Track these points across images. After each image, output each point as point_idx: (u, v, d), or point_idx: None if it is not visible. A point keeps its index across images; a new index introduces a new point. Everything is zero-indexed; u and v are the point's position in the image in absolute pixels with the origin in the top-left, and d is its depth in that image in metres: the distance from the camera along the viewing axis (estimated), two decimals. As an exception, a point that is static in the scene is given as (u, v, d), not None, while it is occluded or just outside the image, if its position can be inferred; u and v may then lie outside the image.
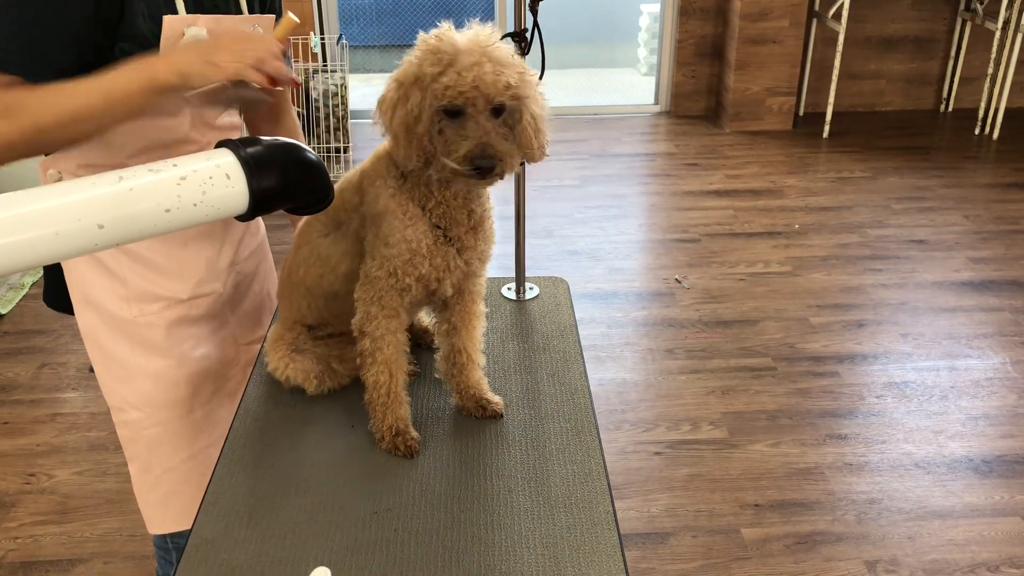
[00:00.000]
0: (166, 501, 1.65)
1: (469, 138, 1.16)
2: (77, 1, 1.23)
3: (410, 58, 1.22)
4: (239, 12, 1.44)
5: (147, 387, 1.56)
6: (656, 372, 3.21)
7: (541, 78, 1.53)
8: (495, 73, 1.16)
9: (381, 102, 1.25)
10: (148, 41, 1.32)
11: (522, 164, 1.32)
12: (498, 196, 1.38)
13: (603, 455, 1.32)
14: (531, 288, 1.78)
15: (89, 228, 1.00)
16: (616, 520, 1.20)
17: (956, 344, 3.35)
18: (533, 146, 1.25)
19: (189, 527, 1.57)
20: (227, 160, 1.10)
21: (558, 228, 4.34)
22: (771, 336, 3.42)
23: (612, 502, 1.23)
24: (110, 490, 2.69)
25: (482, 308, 1.43)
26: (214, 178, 1.09)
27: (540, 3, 1.38)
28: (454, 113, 1.18)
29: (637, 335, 3.43)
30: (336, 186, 1.42)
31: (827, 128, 5.38)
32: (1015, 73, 5.18)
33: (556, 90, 6.57)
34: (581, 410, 1.42)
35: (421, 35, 1.22)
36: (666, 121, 5.76)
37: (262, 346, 1.61)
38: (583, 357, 1.57)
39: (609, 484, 1.27)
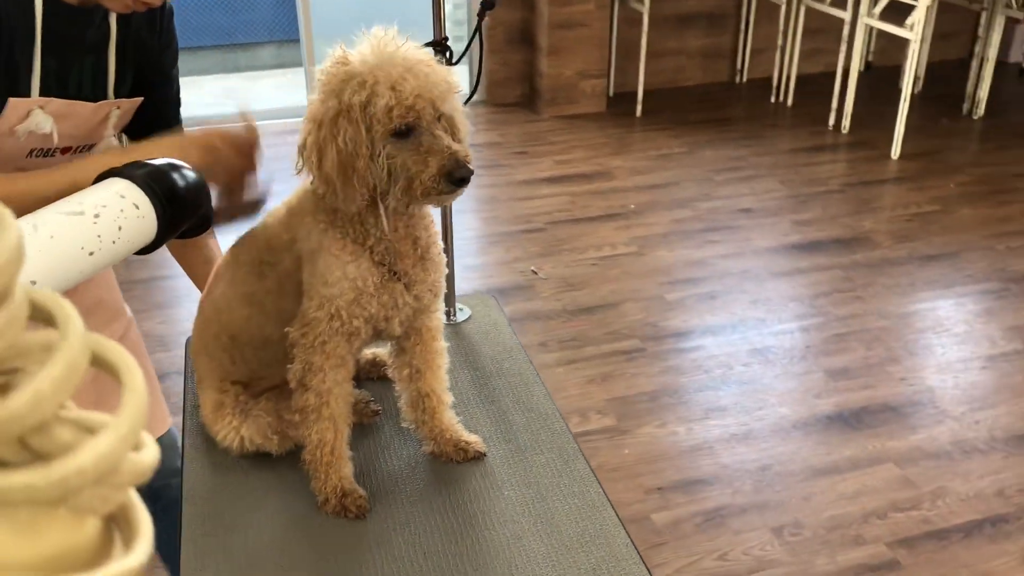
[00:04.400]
0: None
1: (433, 153, 1.08)
2: None
3: (319, 95, 1.11)
4: (105, 96, 1.36)
5: None
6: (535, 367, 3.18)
7: (477, 85, 1.45)
8: (430, 77, 1.08)
9: (302, 148, 1.13)
10: None
11: None
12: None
13: (600, 482, 1.27)
14: (461, 309, 1.69)
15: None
16: (639, 551, 1.15)
17: (801, 305, 3.55)
18: (466, 144, 1.17)
19: None
20: (129, 190, 1.07)
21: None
22: (634, 317, 3.48)
23: (627, 532, 1.18)
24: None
25: (442, 344, 1.34)
26: (125, 210, 1.05)
27: (488, 11, 1.29)
28: (403, 133, 1.08)
29: (506, 332, 3.40)
30: (251, 229, 1.30)
31: (639, 107, 5.55)
32: (802, 43, 5.55)
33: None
34: (560, 436, 1.36)
35: (320, 68, 1.12)
36: (484, 110, 5.74)
37: (183, 425, 1.43)
38: (540, 377, 1.50)
39: (617, 513, 1.22)
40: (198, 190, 1.13)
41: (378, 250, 1.17)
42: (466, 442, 1.31)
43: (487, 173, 4.85)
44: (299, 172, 1.14)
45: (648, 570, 1.13)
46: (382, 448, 1.35)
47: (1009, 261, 3.84)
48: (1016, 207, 4.35)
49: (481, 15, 1.32)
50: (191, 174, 1.14)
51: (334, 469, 1.21)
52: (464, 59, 1.39)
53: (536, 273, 3.79)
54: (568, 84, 5.54)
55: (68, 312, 0.33)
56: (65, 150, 1.39)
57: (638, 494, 2.62)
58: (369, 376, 1.49)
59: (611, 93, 5.84)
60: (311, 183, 1.15)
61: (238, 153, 1.31)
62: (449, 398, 1.33)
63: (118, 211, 1.00)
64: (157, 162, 1.10)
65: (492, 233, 4.20)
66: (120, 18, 1.33)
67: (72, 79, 1.32)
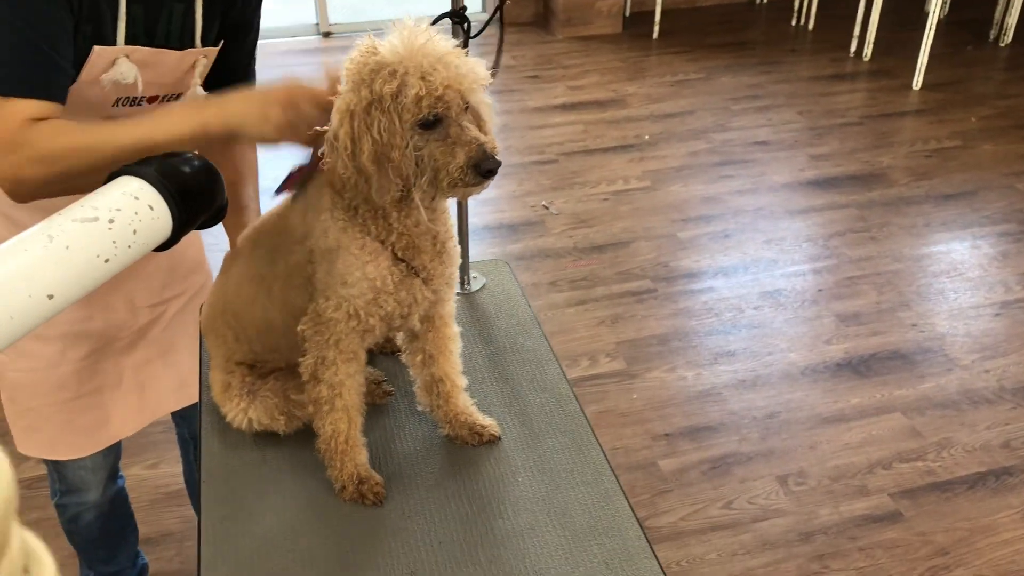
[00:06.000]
0: (29, 432, 1.68)
1: (460, 144, 1.06)
2: (61, 19, 1.20)
3: (348, 85, 1.09)
4: (192, 44, 1.35)
5: None
6: (545, 307, 3.19)
7: (497, 65, 1.41)
8: (460, 68, 1.06)
9: (332, 139, 1.10)
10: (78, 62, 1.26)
11: None
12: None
13: (613, 471, 1.28)
14: (475, 278, 1.68)
15: (40, 302, 0.91)
16: (651, 545, 1.17)
17: (814, 246, 3.52)
18: (493, 134, 1.15)
19: (53, 457, 1.72)
20: (143, 190, 1.05)
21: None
22: (645, 256, 3.46)
23: (640, 525, 1.20)
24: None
25: (455, 330, 1.33)
26: (139, 213, 1.04)
27: (510, -4, 1.24)
28: (430, 124, 1.06)
29: (518, 270, 3.39)
30: (276, 208, 1.28)
31: (656, 29, 5.41)
32: (826, -37, 5.38)
33: (370, 2, 6.22)
34: (574, 419, 1.36)
35: (348, 58, 1.10)
36: (497, 30, 5.59)
37: (199, 402, 1.44)
38: (555, 354, 1.50)
39: (631, 504, 1.23)
40: (211, 182, 1.12)
41: (400, 245, 1.16)
42: (481, 426, 1.31)
43: (499, 99, 4.76)
44: (327, 164, 1.12)
45: (660, 564, 1.14)
46: (397, 429, 1.36)
47: (1028, 202, 3.79)
48: (1038, 144, 4.27)
49: (502, 1, 1.27)
50: (200, 164, 1.12)
51: (349, 457, 1.22)
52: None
53: (547, 208, 3.76)
54: (584, 4, 5.38)
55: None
56: (152, 99, 1.39)
57: (645, 440, 2.65)
58: (383, 351, 1.49)
59: (627, 13, 5.68)
60: (345, 175, 1.11)
61: (321, 110, 1.23)
62: (463, 381, 1.33)
63: (132, 214, 0.99)
64: (169, 157, 1.08)
65: (505, 165, 4.13)
66: None
67: (160, 27, 1.31)
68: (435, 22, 1.25)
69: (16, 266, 0.89)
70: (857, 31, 5.12)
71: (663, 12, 5.41)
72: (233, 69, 1.47)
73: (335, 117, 1.08)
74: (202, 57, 1.39)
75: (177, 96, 1.41)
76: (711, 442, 2.64)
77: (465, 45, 1.44)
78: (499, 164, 1.08)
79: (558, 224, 3.66)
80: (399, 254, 1.17)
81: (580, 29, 5.44)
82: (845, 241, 3.54)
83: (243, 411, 1.31)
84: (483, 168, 1.06)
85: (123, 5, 1.25)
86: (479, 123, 1.12)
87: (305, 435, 1.32)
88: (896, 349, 2.98)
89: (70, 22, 1.21)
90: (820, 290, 3.27)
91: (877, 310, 3.16)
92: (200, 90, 1.41)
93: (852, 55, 5.15)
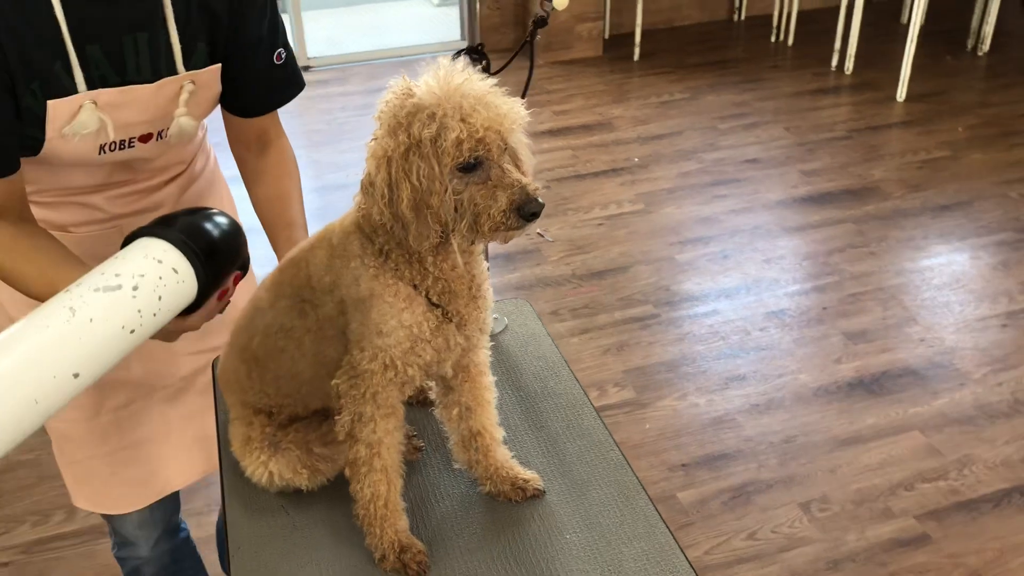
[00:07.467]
0: (79, 484, 1.65)
1: (503, 187, 1.01)
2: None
3: (383, 129, 1.04)
4: (172, 72, 1.25)
5: None
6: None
7: (524, 98, 1.36)
8: (500, 108, 1.02)
9: (368, 186, 1.04)
10: (39, 120, 1.17)
11: None
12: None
13: (665, 522, 1.21)
14: (496, 318, 1.61)
15: (66, 381, 0.86)
16: (714, 603, 1.10)
17: (815, 264, 3.49)
18: (530, 174, 1.10)
19: (100, 511, 1.67)
20: (166, 252, 1.00)
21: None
22: (645, 281, 3.41)
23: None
24: None
25: (491, 379, 1.27)
26: (164, 277, 0.99)
27: (541, 27, 1.19)
28: (470, 167, 1.01)
29: (517, 301, 3.33)
30: (294, 256, 1.21)
31: (637, 50, 5.40)
32: (802, -22, 5.40)
33: (346, 33, 6.17)
34: (617, 468, 1.30)
35: (382, 100, 1.05)
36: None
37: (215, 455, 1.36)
38: (588, 397, 1.44)
39: (688, 559, 1.16)
40: (236, 237, 1.05)
41: (435, 290, 1.10)
42: (524, 480, 1.24)
43: (485, 127, 4.72)
44: (363, 210, 1.06)
45: (726, 624, 1.07)
46: (431, 488, 1.28)
47: (1023, 209, 3.78)
48: (1026, 151, 4.28)
49: (533, 33, 1.22)
50: (224, 220, 1.05)
51: (389, 523, 1.15)
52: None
53: (543, 236, 3.70)
54: (564, 28, 5.36)
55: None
56: (146, 137, 1.30)
57: (662, 471, 2.58)
58: (408, 402, 1.42)
59: (607, 35, 5.67)
60: (382, 221, 1.05)
61: None
62: (501, 433, 1.27)
63: (156, 279, 0.93)
64: (190, 215, 1.01)
65: (495, 192, 4.09)
66: None
67: (129, 62, 1.22)
68: (453, 59, 1.20)
69: (39, 345, 0.83)
70: (838, 45, 5.13)
71: (642, 33, 5.40)
72: (250, 88, 1.39)
73: (371, 163, 1.03)
74: (188, 83, 1.29)
75: (161, 133, 1.32)
76: (729, 470, 2.58)
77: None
78: (542, 206, 1.03)
79: (554, 252, 3.60)
80: (434, 299, 1.11)
81: (561, 54, 5.42)
82: (845, 257, 3.51)
83: (263, 464, 1.24)
84: (526, 211, 1.01)
85: (71, 51, 1.17)
86: (516, 163, 1.07)
87: (330, 495, 1.25)
88: (906, 366, 2.94)
89: None
90: (825, 308, 3.23)
91: (884, 326, 3.13)
92: (185, 120, 1.31)
93: (834, 69, 5.16)
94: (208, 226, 1.02)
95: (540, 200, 1.02)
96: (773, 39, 5.63)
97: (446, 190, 1.01)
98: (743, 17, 5.96)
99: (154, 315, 0.92)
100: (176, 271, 0.95)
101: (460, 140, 0.99)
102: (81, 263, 1.23)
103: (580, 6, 5.32)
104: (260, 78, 1.40)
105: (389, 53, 5.67)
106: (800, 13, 5.52)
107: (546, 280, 3.43)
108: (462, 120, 0.99)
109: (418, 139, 1.00)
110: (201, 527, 2.37)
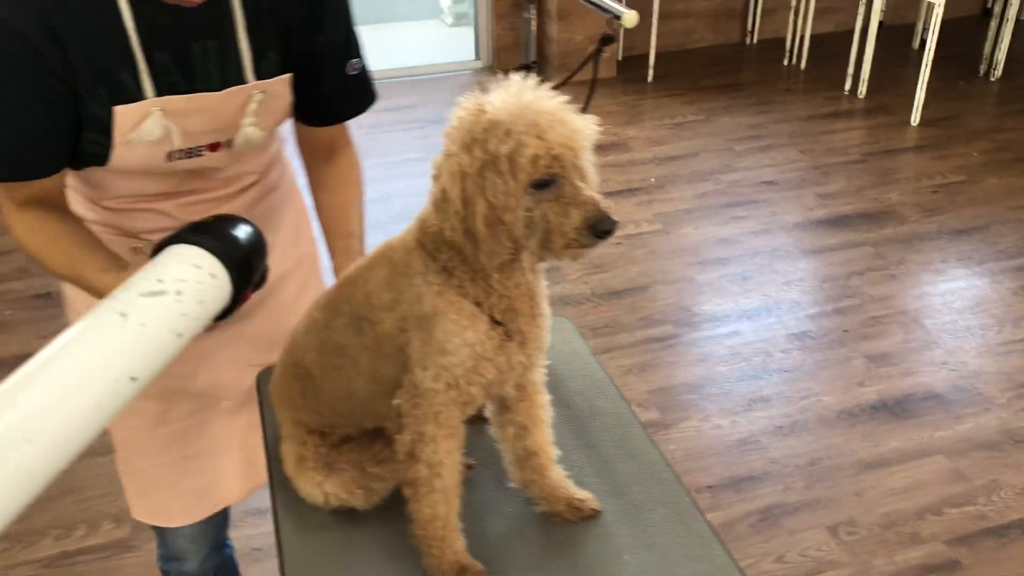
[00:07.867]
0: (139, 496, 1.65)
1: (576, 204, 1.01)
2: (40, 94, 1.16)
3: (456, 145, 1.03)
4: (241, 81, 1.24)
5: None
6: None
7: (587, 108, 1.36)
8: (574, 126, 1.03)
9: (441, 202, 1.04)
10: (105, 126, 1.19)
11: None
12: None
13: (723, 543, 1.20)
14: (540, 337, 1.61)
15: (125, 385, 0.88)
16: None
17: (835, 286, 3.49)
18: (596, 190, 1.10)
19: (159, 523, 1.66)
20: (203, 258, 1.03)
21: (417, 209, 4.11)
22: (665, 301, 3.41)
23: (763, 604, 1.12)
24: None
25: (546, 398, 1.26)
26: (203, 282, 1.01)
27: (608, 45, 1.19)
28: (543, 184, 1.01)
29: (537, 320, 3.32)
30: (351, 275, 1.21)
31: (651, 72, 5.42)
32: (816, 0, 5.42)
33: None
34: (670, 489, 1.29)
35: (456, 116, 1.05)
36: (493, 78, 5.59)
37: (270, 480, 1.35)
38: (636, 416, 1.43)
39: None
40: (261, 246, 1.07)
41: (499, 308, 1.09)
42: (579, 500, 1.23)
43: (501, 146, 4.73)
44: (434, 227, 1.07)
45: (791, 648, 1.06)
46: (485, 507, 1.27)
47: (1041, 235, 3.79)
48: (1042, 176, 4.28)
49: (598, 51, 1.22)
50: (249, 228, 1.06)
51: (448, 544, 1.14)
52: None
53: (562, 255, 3.70)
54: (578, 50, 5.37)
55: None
56: (214, 146, 1.30)
57: (688, 493, 2.57)
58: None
59: (620, 57, 5.69)
60: (454, 237, 1.05)
61: None
62: (555, 452, 1.26)
63: (197, 284, 0.95)
64: (221, 223, 1.04)
65: (512, 211, 4.09)
66: None
67: (198, 69, 1.22)
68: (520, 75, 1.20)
69: (97, 349, 0.84)
70: (851, 69, 5.15)
71: (656, 55, 5.42)
72: (322, 98, 1.39)
73: (446, 178, 1.02)
74: (257, 92, 1.28)
75: (229, 142, 1.32)
76: (755, 492, 2.56)
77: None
78: (616, 224, 1.02)
79: (573, 270, 3.60)
80: (497, 317, 1.11)
81: (576, 75, 5.43)
82: (865, 280, 3.51)
83: (318, 485, 1.23)
84: (599, 229, 1.01)
85: (139, 57, 1.17)
86: (584, 180, 1.07)
87: (384, 513, 1.24)
88: (930, 389, 2.94)
89: (55, 93, 1.15)
90: (846, 331, 3.22)
91: (906, 349, 3.12)
92: (252, 130, 1.31)
93: (847, 93, 5.18)
94: (238, 233, 1.04)
95: (613, 217, 1.02)
96: (786, 62, 5.66)
97: (520, 207, 1.01)
98: (755, 40, 5.98)
99: (197, 319, 0.95)
100: (214, 276, 0.98)
101: (536, 156, 0.98)
102: (102, 247, 1.26)
103: (594, 27, 5.34)
104: (333, 88, 1.39)
105: (403, 72, 5.69)
106: (812, 37, 5.55)
107: (565, 299, 3.43)
108: (538, 137, 0.99)
109: (494, 155, 0.99)
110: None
